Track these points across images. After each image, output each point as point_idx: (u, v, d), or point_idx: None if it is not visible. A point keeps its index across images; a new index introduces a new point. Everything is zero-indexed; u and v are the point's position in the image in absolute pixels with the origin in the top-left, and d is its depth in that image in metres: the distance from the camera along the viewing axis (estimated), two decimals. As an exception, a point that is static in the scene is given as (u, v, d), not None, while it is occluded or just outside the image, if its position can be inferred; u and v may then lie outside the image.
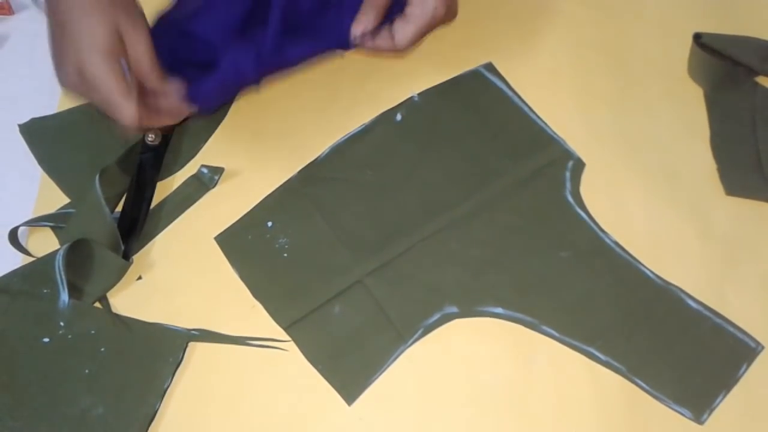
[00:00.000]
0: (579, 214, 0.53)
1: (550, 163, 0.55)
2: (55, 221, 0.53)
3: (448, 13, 0.52)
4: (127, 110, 0.47)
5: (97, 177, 0.51)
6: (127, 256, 0.51)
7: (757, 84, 0.58)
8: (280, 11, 0.51)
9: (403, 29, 0.52)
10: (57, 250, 0.50)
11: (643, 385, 0.48)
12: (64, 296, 0.49)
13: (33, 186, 0.56)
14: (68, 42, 0.46)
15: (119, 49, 0.47)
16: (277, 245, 0.52)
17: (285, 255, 0.52)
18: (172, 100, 0.51)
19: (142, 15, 0.50)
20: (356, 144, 0.56)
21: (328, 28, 0.53)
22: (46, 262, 0.50)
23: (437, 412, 0.48)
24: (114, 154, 0.54)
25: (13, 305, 0.49)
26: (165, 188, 0.55)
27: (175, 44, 0.51)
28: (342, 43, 0.53)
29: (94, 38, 0.46)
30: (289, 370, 0.49)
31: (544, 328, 0.50)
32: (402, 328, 0.50)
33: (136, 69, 0.48)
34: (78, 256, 0.49)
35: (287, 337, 0.50)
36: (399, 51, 0.53)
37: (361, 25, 0.52)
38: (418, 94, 0.58)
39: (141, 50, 0.48)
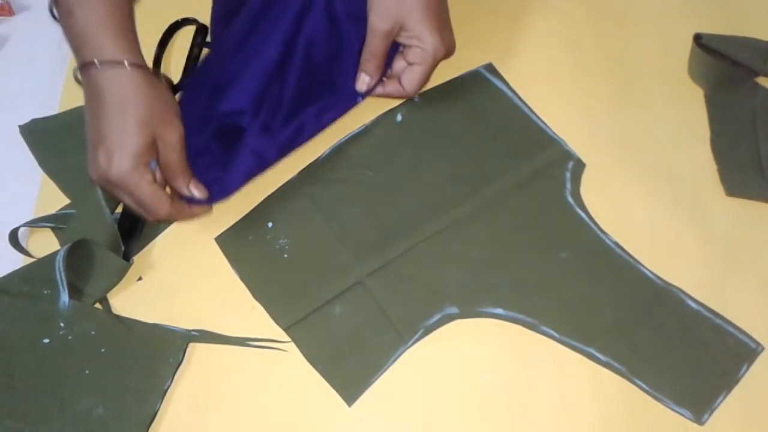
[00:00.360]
0: (579, 215, 0.53)
1: (550, 163, 0.55)
2: (55, 222, 0.53)
3: (447, 51, 0.53)
4: (154, 214, 0.48)
5: None
6: (127, 257, 0.52)
7: (757, 84, 0.58)
8: (295, 80, 0.53)
9: (410, 76, 0.54)
10: (57, 251, 0.50)
11: (644, 385, 0.48)
12: (65, 297, 0.49)
13: (33, 187, 0.56)
14: (101, 136, 0.46)
15: (150, 154, 0.47)
16: (277, 246, 0.52)
17: (285, 256, 0.52)
18: (196, 203, 0.51)
19: (178, 115, 0.49)
20: (356, 144, 0.56)
21: (338, 89, 0.56)
22: (47, 263, 0.50)
23: (437, 412, 0.48)
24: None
25: (13, 306, 0.49)
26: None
27: (203, 114, 0.52)
28: (352, 100, 0.56)
29: (127, 141, 0.45)
30: (289, 370, 0.49)
31: (545, 328, 0.50)
32: (402, 328, 0.50)
33: (166, 173, 0.49)
34: (78, 256, 0.49)
35: (287, 338, 0.50)
36: (410, 95, 0.55)
37: (364, 84, 0.55)
38: (419, 95, 0.58)
39: (174, 158, 0.48)
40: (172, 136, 0.47)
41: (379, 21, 0.52)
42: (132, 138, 0.45)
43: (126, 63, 0.46)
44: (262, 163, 0.52)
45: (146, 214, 0.49)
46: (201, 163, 0.51)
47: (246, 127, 0.51)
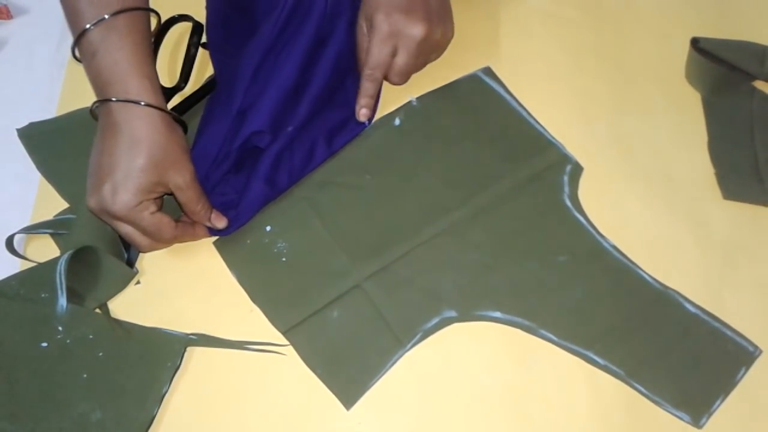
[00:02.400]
0: (577, 218, 0.53)
1: (548, 167, 0.55)
2: (52, 228, 0.53)
3: (427, 30, 0.53)
4: (159, 240, 0.49)
5: None
6: (131, 264, 0.51)
7: (754, 88, 0.58)
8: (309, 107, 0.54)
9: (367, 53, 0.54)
10: (60, 256, 0.50)
11: (642, 389, 0.48)
12: (63, 301, 0.49)
13: (31, 190, 0.56)
14: (111, 169, 0.46)
15: (157, 192, 0.48)
16: (275, 249, 0.52)
17: (283, 259, 0.52)
18: (215, 233, 0.52)
19: (189, 156, 0.49)
20: (355, 148, 0.56)
21: (349, 108, 0.56)
22: (47, 267, 0.49)
23: (436, 416, 0.48)
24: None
25: (10, 309, 0.49)
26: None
27: (224, 144, 0.52)
28: (361, 124, 0.57)
29: (136, 178, 0.46)
30: (287, 374, 0.49)
31: (543, 332, 0.50)
32: (400, 332, 0.50)
33: (185, 210, 0.50)
34: (83, 262, 0.49)
35: (286, 342, 0.50)
36: (373, 77, 0.55)
37: (369, 112, 0.56)
38: (417, 99, 0.58)
39: (190, 196, 0.49)
40: (182, 179, 0.48)
41: (358, 22, 0.55)
42: (141, 176, 0.46)
43: (147, 104, 0.46)
44: (273, 190, 0.53)
45: (149, 243, 0.49)
46: (218, 192, 0.53)
47: (265, 147, 0.52)
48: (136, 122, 0.46)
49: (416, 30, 0.52)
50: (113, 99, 0.46)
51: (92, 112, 0.49)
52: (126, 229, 0.48)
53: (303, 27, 0.53)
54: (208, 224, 0.51)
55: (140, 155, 0.46)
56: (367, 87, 0.55)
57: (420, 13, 0.52)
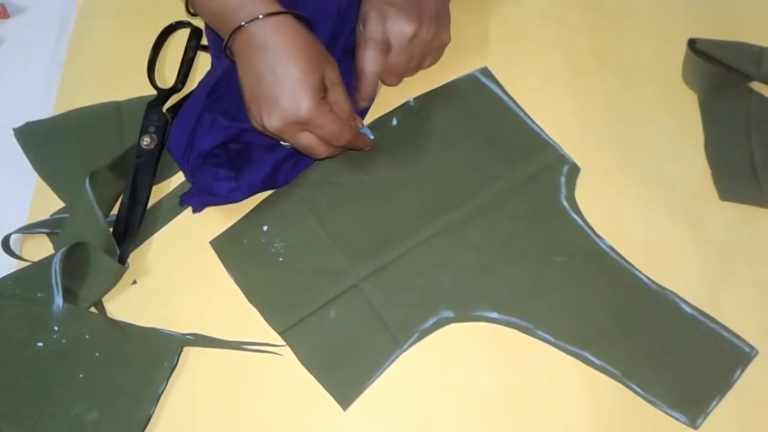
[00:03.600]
0: (574, 219, 0.53)
1: (545, 167, 0.55)
2: (49, 227, 0.53)
3: (418, 28, 0.53)
4: (338, 141, 0.50)
5: (88, 180, 0.51)
6: (122, 260, 0.51)
7: (751, 89, 0.58)
8: None
9: (362, 56, 0.54)
10: (54, 254, 0.50)
11: (638, 389, 0.48)
12: (59, 300, 0.49)
13: (28, 190, 0.56)
14: (279, 84, 0.47)
15: (324, 89, 0.49)
16: (272, 249, 0.52)
17: (280, 259, 0.52)
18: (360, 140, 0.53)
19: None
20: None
21: None
22: (42, 266, 0.49)
23: (433, 416, 0.48)
24: (109, 158, 0.53)
25: (6, 309, 0.49)
26: (160, 192, 0.55)
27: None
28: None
29: (308, 79, 0.47)
30: (284, 374, 0.49)
31: (539, 332, 0.50)
32: (397, 332, 0.50)
33: (337, 108, 0.50)
34: (74, 260, 0.49)
35: (282, 342, 0.50)
36: (369, 73, 0.54)
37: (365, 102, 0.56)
38: (414, 99, 0.58)
39: (342, 92, 0.50)
40: (335, 73, 0.50)
41: (358, 20, 0.55)
42: (310, 76, 0.47)
43: (281, 12, 0.48)
44: (275, 177, 0.53)
45: (326, 148, 0.50)
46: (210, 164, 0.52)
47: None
48: (281, 33, 0.47)
49: (407, 27, 0.52)
50: (258, 16, 0.47)
51: (226, 51, 0.50)
52: (307, 139, 0.49)
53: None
54: (358, 123, 0.53)
55: (300, 59, 0.47)
56: (364, 86, 0.55)
57: (411, 12, 0.53)
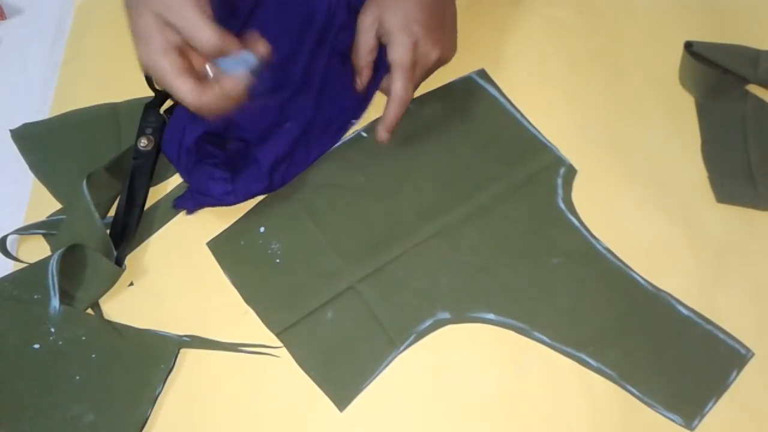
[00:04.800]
0: (571, 221, 0.53)
1: (542, 169, 0.55)
2: (45, 228, 0.53)
3: (438, 55, 0.52)
4: (205, 35, 0.43)
5: (85, 182, 0.51)
6: (119, 262, 0.51)
7: (747, 92, 0.58)
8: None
9: (390, 84, 0.52)
10: (51, 256, 0.49)
11: (634, 391, 0.48)
12: (55, 302, 0.49)
13: (24, 191, 0.56)
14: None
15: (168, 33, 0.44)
16: (269, 251, 0.52)
17: (277, 261, 0.52)
18: (233, 84, 0.44)
19: None
20: (349, 150, 0.56)
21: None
22: (39, 268, 0.49)
23: (429, 418, 0.48)
24: (106, 160, 0.53)
25: (2, 311, 0.49)
26: (157, 194, 0.55)
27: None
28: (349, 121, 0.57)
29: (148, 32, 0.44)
30: (281, 376, 0.49)
31: (536, 334, 0.50)
32: (394, 334, 0.50)
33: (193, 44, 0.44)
34: (71, 261, 0.49)
35: (279, 344, 0.50)
36: (400, 101, 0.51)
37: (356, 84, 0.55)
38: (411, 100, 0.58)
39: (190, 23, 0.43)
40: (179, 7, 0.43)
41: (362, 14, 0.53)
42: (147, 24, 0.43)
43: None
44: (271, 182, 0.53)
45: (194, 41, 0.43)
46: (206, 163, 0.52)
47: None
48: None
49: (433, 53, 0.52)
50: None
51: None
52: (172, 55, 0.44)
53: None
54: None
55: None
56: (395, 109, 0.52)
57: (437, 36, 0.52)
